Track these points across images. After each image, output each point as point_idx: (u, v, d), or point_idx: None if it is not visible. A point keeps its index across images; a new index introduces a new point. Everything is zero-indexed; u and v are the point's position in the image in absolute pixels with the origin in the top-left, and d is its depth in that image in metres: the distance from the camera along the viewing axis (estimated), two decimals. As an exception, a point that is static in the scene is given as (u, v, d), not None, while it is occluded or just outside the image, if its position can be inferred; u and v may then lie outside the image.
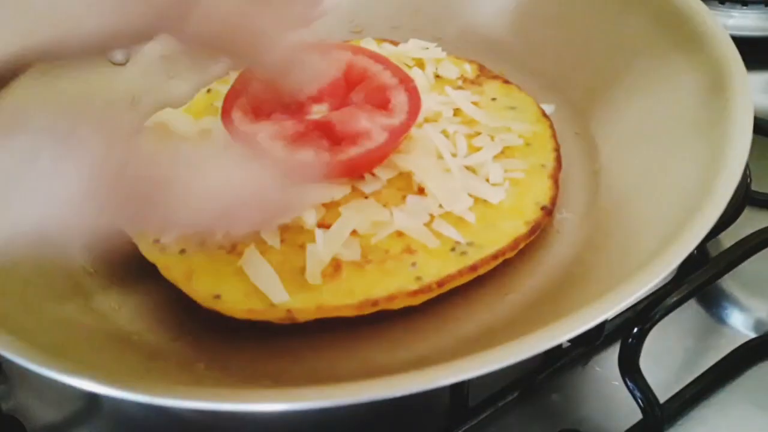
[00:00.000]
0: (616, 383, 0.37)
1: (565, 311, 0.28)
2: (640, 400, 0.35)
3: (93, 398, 0.37)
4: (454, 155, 0.37)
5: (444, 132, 0.38)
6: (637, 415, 0.35)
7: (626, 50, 0.42)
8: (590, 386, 0.38)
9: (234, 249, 0.35)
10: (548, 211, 0.36)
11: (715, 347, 0.39)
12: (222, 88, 0.42)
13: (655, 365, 0.36)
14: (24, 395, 0.37)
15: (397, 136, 0.36)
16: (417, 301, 0.33)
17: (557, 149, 0.39)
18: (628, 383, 0.34)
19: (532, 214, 0.36)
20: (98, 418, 0.37)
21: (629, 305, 0.28)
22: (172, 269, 0.35)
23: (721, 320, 0.41)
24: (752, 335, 0.40)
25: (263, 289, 0.33)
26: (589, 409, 0.37)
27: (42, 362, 0.26)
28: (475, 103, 0.41)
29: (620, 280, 0.29)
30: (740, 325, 0.40)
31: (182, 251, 0.35)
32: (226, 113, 0.37)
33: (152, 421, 0.37)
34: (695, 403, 0.37)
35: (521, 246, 0.35)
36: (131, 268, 0.36)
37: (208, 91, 0.44)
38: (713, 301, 0.41)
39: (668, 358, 0.39)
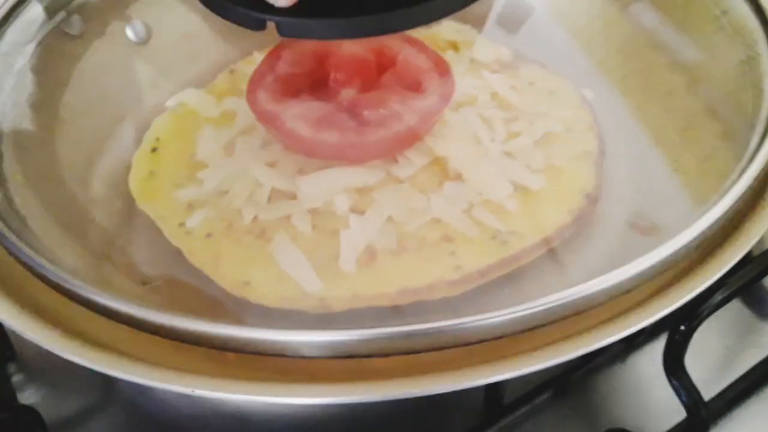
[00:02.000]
0: (656, 381, 0.36)
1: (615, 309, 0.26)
2: (684, 399, 0.33)
3: (109, 389, 0.36)
4: (492, 140, 0.36)
5: (480, 116, 0.37)
6: (678, 415, 0.33)
7: (667, 33, 0.41)
8: (628, 384, 0.37)
9: (263, 234, 0.34)
10: (593, 200, 0.34)
11: (758, 345, 0.38)
12: (246, 69, 0.41)
13: (697, 363, 0.35)
14: (41, 386, 0.36)
15: (428, 118, 0.35)
16: (457, 291, 0.32)
17: (599, 135, 0.37)
18: (674, 382, 0.33)
19: (576, 202, 0.34)
20: (115, 408, 0.36)
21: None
22: (197, 254, 0.33)
23: (763, 318, 0.39)
24: (795, 332, 0.38)
25: (295, 277, 0.32)
26: (626, 408, 0.36)
27: (76, 352, 0.25)
28: (512, 88, 0.39)
29: (673, 277, 0.27)
30: (782, 323, 0.39)
31: (208, 235, 0.34)
32: (251, 92, 0.36)
33: (168, 411, 0.35)
34: (738, 402, 0.36)
35: (565, 235, 0.33)
36: (157, 253, 0.35)
37: (231, 71, 0.42)
38: (754, 299, 0.40)
39: (709, 356, 0.37)
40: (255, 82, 0.36)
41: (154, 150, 0.38)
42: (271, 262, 0.32)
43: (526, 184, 0.34)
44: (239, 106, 0.39)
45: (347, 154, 0.34)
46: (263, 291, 0.32)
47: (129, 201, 0.37)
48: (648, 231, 0.34)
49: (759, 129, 0.31)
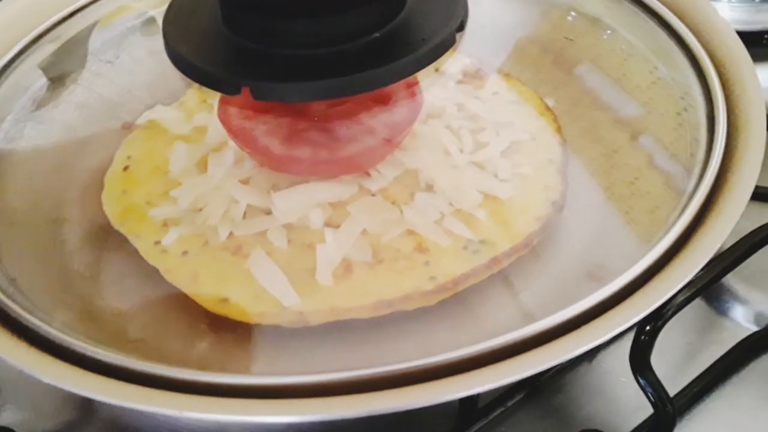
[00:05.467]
0: (623, 379, 0.37)
1: (585, 315, 0.27)
2: (651, 396, 0.34)
3: (87, 407, 0.36)
4: (460, 151, 0.37)
5: (448, 127, 0.38)
6: (646, 411, 0.35)
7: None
8: (596, 383, 0.38)
9: (239, 250, 0.34)
10: (559, 207, 0.36)
11: (718, 341, 0.39)
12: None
13: (660, 360, 0.36)
14: (19, 407, 0.36)
15: (400, 131, 0.36)
16: (432, 301, 0.32)
17: (563, 143, 0.38)
18: (640, 380, 0.34)
19: (543, 209, 0.35)
20: (93, 427, 0.36)
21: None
22: (174, 272, 0.34)
23: (722, 314, 0.40)
24: (754, 328, 0.40)
25: (272, 292, 0.32)
26: (596, 406, 0.37)
27: (56, 376, 0.25)
28: (477, 98, 0.40)
29: (643, 281, 0.28)
30: (741, 319, 0.40)
31: (184, 253, 0.34)
32: (222, 109, 0.36)
33: (149, 426, 0.35)
34: (702, 397, 0.37)
35: (534, 243, 0.34)
36: (130, 271, 0.35)
37: (200, 87, 0.42)
38: (714, 296, 0.41)
39: (671, 353, 0.39)
40: (226, 98, 0.36)
41: (125, 169, 0.38)
42: (248, 278, 0.33)
43: (494, 193, 0.35)
44: (210, 122, 0.39)
45: (320, 169, 0.35)
46: (242, 307, 0.32)
47: (103, 221, 0.37)
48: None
49: (696, 173, 0.33)
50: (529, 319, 0.32)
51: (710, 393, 0.37)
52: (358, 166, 0.35)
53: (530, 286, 0.34)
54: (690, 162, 0.34)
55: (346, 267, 0.33)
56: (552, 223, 0.35)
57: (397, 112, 0.36)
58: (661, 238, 0.30)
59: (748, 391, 0.37)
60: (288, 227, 0.34)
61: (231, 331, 0.32)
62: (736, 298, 0.41)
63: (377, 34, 0.31)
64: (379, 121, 0.35)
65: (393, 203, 0.35)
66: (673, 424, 0.35)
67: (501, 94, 0.41)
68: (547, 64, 0.44)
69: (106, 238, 0.36)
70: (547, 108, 0.40)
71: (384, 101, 0.36)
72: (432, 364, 0.27)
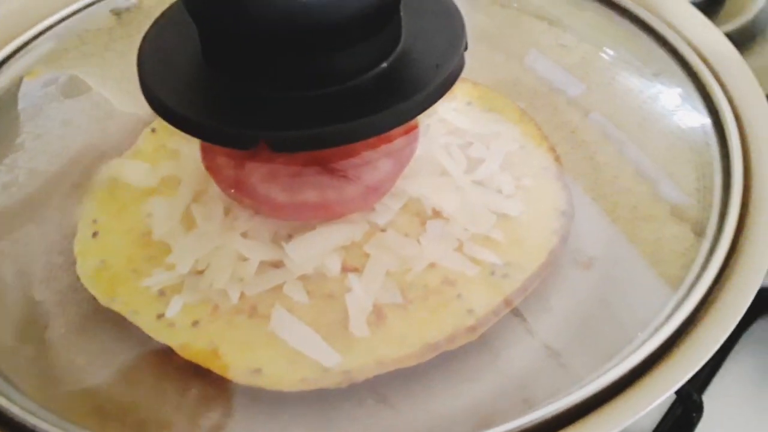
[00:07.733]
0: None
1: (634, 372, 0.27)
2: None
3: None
4: (458, 170, 0.35)
5: (439, 146, 0.36)
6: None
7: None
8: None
9: (255, 311, 0.31)
10: (570, 216, 0.35)
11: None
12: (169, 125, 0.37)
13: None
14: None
15: (404, 160, 0.34)
16: (475, 335, 0.31)
17: (553, 148, 0.37)
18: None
19: (555, 221, 0.34)
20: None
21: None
22: (190, 348, 0.30)
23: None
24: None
25: (309, 354, 0.30)
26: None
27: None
28: (454, 110, 0.38)
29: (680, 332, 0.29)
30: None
31: (195, 324, 0.31)
32: (209, 159, 0.33)
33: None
34: (715, 371, 0.39)
35: (558, 259, 0.33)
36: (131, 350, 0.31)
37: (153, 130, 0.38)
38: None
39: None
40: (209, 146, 0.33)
41: (95, 235, 0.34)
42: (275, 341, 0.30)
43: (504, 211, 0.34)
44: (179, 170, 0.35)
45: (328, 212, 0.32)
46: (278, 375, 0.29)
47: (82, 297, 0.33)
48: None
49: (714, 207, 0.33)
50: (552, 353, 0.31)
51: (723, 363, 0.39)
52: (368, 203, 0.33)
53: (551, 308, 0.33)
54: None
55: (378, 313, 0.31)
56: (568, 234, 0.34)
57: (396, 139, 0.34)
58: (694, 284, 0.30)
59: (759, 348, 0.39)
60: (303, 278, 0.32)
61: (264, 401, 0.30)
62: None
63: (385, 65, 0.29)
64: (380, 152, 0.33)
65: (406, 236, 0.33)
66: (700, 410, 0.35)
67: (474, 104, 0.40)
68: (501, 62, 0.43)
69: (93, 316, 0.32)
70: (524, 113, 0.39)
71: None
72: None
